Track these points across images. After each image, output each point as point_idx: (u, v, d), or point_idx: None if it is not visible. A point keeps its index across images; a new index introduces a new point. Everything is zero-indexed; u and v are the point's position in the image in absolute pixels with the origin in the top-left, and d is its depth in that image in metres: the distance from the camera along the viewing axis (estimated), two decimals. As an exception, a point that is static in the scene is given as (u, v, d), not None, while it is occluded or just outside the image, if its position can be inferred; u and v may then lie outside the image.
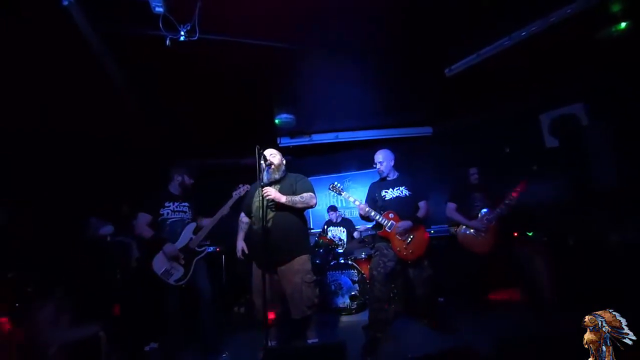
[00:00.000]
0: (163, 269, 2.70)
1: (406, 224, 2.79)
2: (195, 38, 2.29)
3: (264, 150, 2.54)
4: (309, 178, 5.57)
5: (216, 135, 4.52)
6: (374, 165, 3.09)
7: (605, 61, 3.31)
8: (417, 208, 2.94)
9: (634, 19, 2.66)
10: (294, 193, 2.59)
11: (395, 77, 3.54)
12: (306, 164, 5.58)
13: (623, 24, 2.72)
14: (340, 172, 5.62)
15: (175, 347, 2.73)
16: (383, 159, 3.03)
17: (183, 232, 2.83)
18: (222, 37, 2.53)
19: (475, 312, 3.26)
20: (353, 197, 3.04)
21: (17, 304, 2.03)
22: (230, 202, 2.89)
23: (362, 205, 2.90)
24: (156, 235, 2.76)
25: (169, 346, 2.71)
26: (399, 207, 2.89)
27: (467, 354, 1.63)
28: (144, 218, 2.81)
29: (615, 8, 2.63)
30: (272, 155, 2.66)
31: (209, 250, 4.32)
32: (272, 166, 2.60)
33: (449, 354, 1.72)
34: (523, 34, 2.80)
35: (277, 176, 2.65)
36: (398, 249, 2.81)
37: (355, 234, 4.58)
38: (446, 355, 1.70)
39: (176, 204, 2.92)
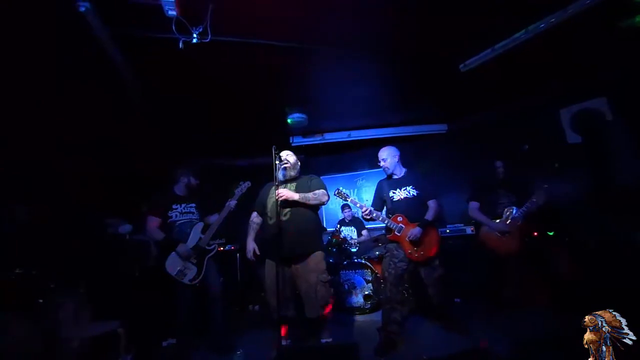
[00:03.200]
0: (177, 270, 2.76)
1: (416, 232, 2.71)
2: (208, 40, 2.32)
3: (279, 151, 2.60)
4: (322, 177, 5.60)
5: (229, 135, 4.58)
6: (378, 163, 3.04)
7: (629, 53, 3.14)
8: (426, 207, 2.86)
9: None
10: (310, 191, 2.63)
11: (408, 73, 3.48)
12: (319, 163, 5.59)
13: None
14: (353, 171, 5.60)
15: (189, 345, 2.78)
16: (386, 156, 2.98)
17: (192, 232, 2.89)
18: (234, 39, 2.56)
19: (493, 313, 3.18)
20: (359, 201, 2.98)
21: (40, 300, 2.12)
22: (234, 199, 2.96)
23: (366, 210, 2.84)
24: (168, 237, 2.83)
25: (183, 343, 2.77)
26: (408, 209, 2.84)
27: (480, 355, 1.59)
28: (153, 221, 2.87)
29: (639, -3, 2.50)
30: (288, 155, 2.72)
31: (226, 247, 4.46)
32: (288, 165, 2.64)
33: (461, 355, 1.68)
34: (541, 26, 2.71)
35: (292, 173, 2.72)
36: (409, 251, 2.77)
37: (364, 233, 4.55)
38: (458, 356, 1.67)
39: (183, 205, 2.98)
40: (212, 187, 3.85)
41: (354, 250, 4.29)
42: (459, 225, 4.23)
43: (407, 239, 2.75)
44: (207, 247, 2.92)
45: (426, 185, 2.93)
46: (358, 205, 2.93)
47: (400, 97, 4.08)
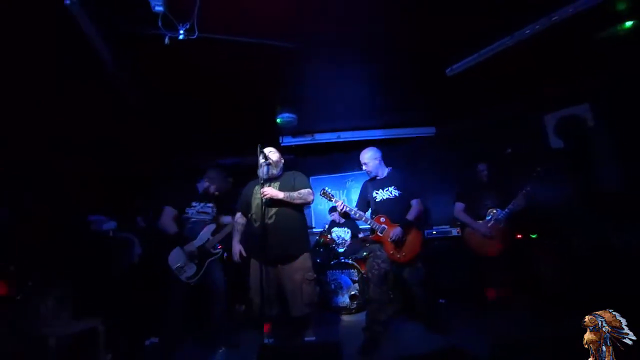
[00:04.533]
0: (177, 265, 2.77)
1: (396, 232, 2.73)
2: (195, 37, 2.31)
3: (263, 148, 2.58)
4: (311, 177, 5.62)
5: (218, 134, 4.55)
6: (361, 167, 3.06)
7: (611, 61, 3.24)
8: (409, 207, 2.87)
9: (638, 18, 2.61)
10: (293, 188, 2.62)
11: (396, 76, 3.51)
12: (308, 164, 5.59)
13: (628, 23, 2.66)
14: (342, 172, 5.62)
15: (174, 342, 2.77)
16: (367, 159, 3.01)
17: (202, 232, 2.91)
18: (221, 36, 2.55)
19: (477, 313, 3.23)
20: (340, 201, 2.95)
21: (18, 297, 2.08)
22: None
23: (343, 207, 2.87)
24: (180, 233, 2.85)
25: (168, 340, 2.75)
26: (390, 209, 2.86)
27: (459, 354, 1.62)
28: (170, 212, 2.89)
29: (621, 7, 2.58)
30: (271, 152, 2.69)
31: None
32: (271, 163, 2.63)
33: (440, 354, 1.71)
34: (527, 32, 2.77)
35: (275, 172, 2.70)
36: (391, 252, 2.79)
37: (361, 235, 4.58)
38: (437, 355, 1.69)
39: (202, 204, 3.02)
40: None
41: (341, 250, 4.31)
42: (445, 227, 4.28)
43: (389, 239, 2.77)
44: (212, 250, 2.92)
45: (409, 185, 2.94)
46: (339, 204, 2.91)
47: (389, 100, 4.12)
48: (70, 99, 2.93)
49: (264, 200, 2.41)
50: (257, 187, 2.56)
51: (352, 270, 3.92)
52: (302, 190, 2.61)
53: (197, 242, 2.85)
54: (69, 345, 2.13)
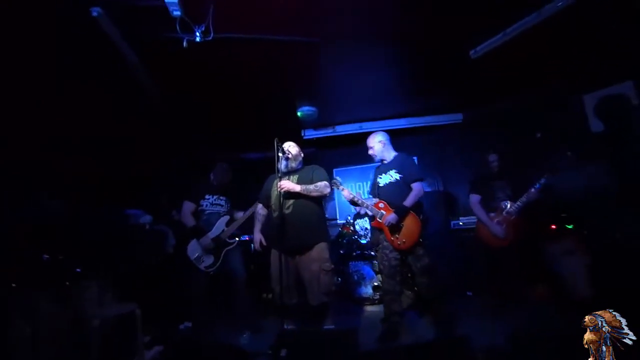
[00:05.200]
0: (196, 255, 2.97)
1: (390, 218, 2.67)
2: (210, 38, 2.41)
3: (282, 143, 2.66)
4: (335, 170, 5.64)
5: (241, 131, 4.71)
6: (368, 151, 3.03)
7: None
8: (410, 191, 2.75)
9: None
10: (312, 181, 2.68)
11: (418, 62, 3.39)
12: (331, 156, 5.60)
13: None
14: (365, 163, 5.56)
15: (203, 327, 2.97)
16: (373, 143, 2.97)
17: (217, 224, 3.07)
18: (235, 35, 2.62)
19: (491, 307, 3.11)
20: (347, 189, 2.97)
21: (67, 283, 2.35)
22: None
23: (349, 195, 2.89)
24: (197, 226, 3.05)
25: (197, 325, 2.97)
26: (390, 194, 2.80)
27: (468, 345, 1.59)
28: (188, 206, 3.11)
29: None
30: (291, 146, 2.77)
31: (244, 238, 4.65)
32: (290, 156, 2.70)
33: (450, 344, 1.69)
34: (559, 4, 2.55)
35: (294, 165, 2.77)
36: (391, 238, 2.73)
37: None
38: (447, 345, 1.68)
39: (215, 197, 3.18)
40: (242, 182, 3.97)
41: (363, 241, 4.32)
42: (472, 217, 4.12)
43: (385, 224, 2.73)
44: (227, 240, 3.08)
45: (408, 167, 2.81)
46: (345, 192, 2.93)
47: (411, 87, 4.00)
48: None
49: (281, 192, 2.50)
50: (275, 181, 2.64)
51: (375, 261, 3.92)
52: (319, 183, 2.66)
53: (212, 234, 3.02)
54: (110, 326, 2.37)
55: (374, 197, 3.00)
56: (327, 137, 4.95)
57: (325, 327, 2.61)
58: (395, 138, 5.09)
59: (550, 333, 1.50)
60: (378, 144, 2.94)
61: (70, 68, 2.65)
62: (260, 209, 2.90)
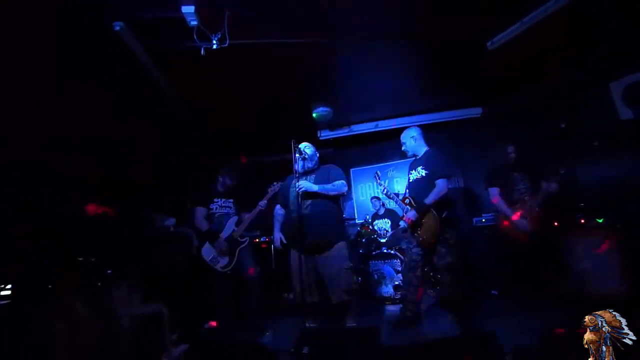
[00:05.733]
0: (211, 256, 3.11)
1: (410, 215, 2.74)
2: (226, 45, 2.48)
3: (298, 144, 2.73)
4: (352, 169, 5.63)
5: (259, 133, 4.80)
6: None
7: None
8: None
9: None
10: (329, 181, 2.71)
11: (433, 56, 3.35)
12: (349, 155, 5.61)
13: None
14: (383, 162, 5.53)
15: (229, 327, 3.05)
16: (405, 138, 2.98)
17: (227, 225, 3.21)
18: (251, 41, 2.69)
19: (518, 304, 3.04)
20: (384, 185, 3.15)
21: (99, 284, 2.48)
22: (267, 198, 3.17)
23: (384, 189, 3.13)
24: (211, 229, 3.18)
25: (223, 326, 3.04)
26: (417, 190, 2.82)
27: (483, 343, 1.55)
28: (201, 211, 3.25)
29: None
30: (307, 147, 2.84)
31: (261, 239, 4.75)
32: (306, 156, 2.76)
33: (459, 341, 1.65)
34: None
35: (310, 165, 2.82)
36: (415, 234, 2.79)
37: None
38: (454, 341, 1.64)
39: (223, 200, 3.34)
40: (249, 184, 4.07)
41: (383, 240, 4.28)
42: (494, 214, 4.01)
43: (407, 221, 2.80)
44: (239, 239, 3.20)
45: (435, 163, 2.75)
46: (381, 189, 3.10)
47: (427, 82, 3.95)
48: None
49: (299, 192, 2.54)
50: (294, 181, 2.68)
51: (395, 260, 3.88)
52: (336, 182, 2.68)
53: (224, 234, 3.15)
54: (140, 325, 2.48)
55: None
56: (343, 137, 4.95)
57: (348, 325, 2.62)
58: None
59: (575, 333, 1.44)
60: (410, 140, 2.94)
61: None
62: (278, 209, 2.95)
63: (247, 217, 3.26)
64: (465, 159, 4.92)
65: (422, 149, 2.93)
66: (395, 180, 5.42)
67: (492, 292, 3.75)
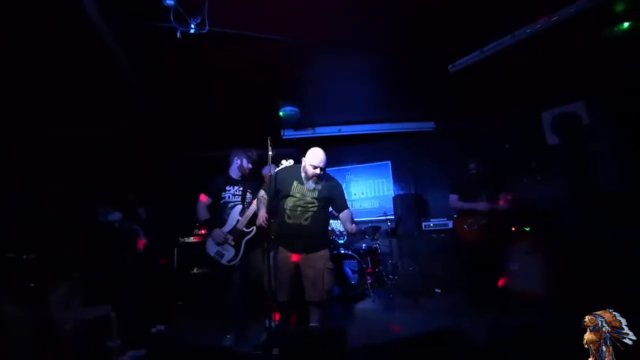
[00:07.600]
0: (215, 251, 2.82)
1: None
2: (205, 31, 2.35)
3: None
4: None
5: (221, 127, 4.59)
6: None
7: (608, 60, 3.33)
8: None
9: (637, 19, 2.69)
10: (332, 198, 2.68)
11: (398, 72, 3.57)
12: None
13: (626, 24, 2.75)
14: (342, 165, 5.70)
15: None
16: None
17: (231, 215, 2.89)
18: (230, 31, 2.58)
19: (468, 302, 3.38)
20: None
21: (32, 284, 2.14)
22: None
23: None
24: (207, 220, 2.91)
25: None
26: None
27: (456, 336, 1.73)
28: (203, 200, 2.94)
29: (619, 8, 2.66)
30: (321, 162, 2.57)
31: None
32: (321, 176, 2.60)
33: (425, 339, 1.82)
34: (527, 31, 2.84)
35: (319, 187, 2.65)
36: None
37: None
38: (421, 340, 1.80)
39: (236, 187, 2.99)
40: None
41: (341, 241, 4.41)
42: (442, 219, 4.41)
43: None
44: (245, 229, 2.89)
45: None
46: None
47: (390, 95, 4.18)
48: (71, 98, 2.93)
49: (308, 202, 2.55)
50: (295, 184, 2.59)
51: (353, 261, 4.02)
52: (353, 222, 2.70)
53: (227, 227, 2.86)
54: (84, 330, 2.20)
55: None
56: (306, 138, 4.97)
57: (312, 324, 2.64)
58: (371, 142, 5.36)
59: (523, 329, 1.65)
60: None
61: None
62: (263, 194, 2.70)
63: (254, 205, 2.92)
64: (418, 168, 5.32)
65: None
66: (352, 184, 5.62)
67: (436, 290, 4.11)
